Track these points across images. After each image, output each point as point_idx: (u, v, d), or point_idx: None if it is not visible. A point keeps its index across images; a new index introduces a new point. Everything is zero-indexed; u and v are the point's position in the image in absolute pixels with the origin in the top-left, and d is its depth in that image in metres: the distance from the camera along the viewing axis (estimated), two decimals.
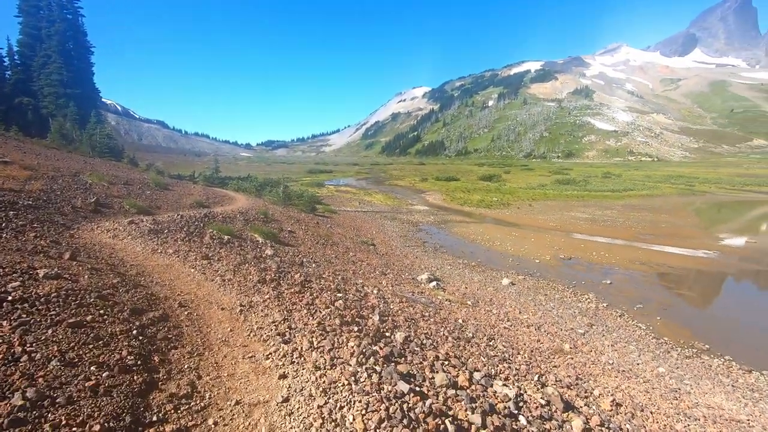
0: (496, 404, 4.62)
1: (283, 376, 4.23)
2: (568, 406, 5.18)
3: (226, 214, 14.70)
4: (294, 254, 12.24)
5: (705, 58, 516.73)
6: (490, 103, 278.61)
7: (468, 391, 4.68)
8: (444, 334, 6.90)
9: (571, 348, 8.12)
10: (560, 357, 7.49)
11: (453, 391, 4.53)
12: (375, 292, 9.17)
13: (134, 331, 4.43)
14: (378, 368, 4.58)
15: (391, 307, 7.78)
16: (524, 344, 7.77)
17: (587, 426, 4.86)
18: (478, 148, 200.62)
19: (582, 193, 45.42)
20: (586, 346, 8.64)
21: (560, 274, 15.83)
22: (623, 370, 7.65)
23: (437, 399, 4.30)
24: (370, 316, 6.60)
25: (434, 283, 12.21)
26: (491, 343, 7.22)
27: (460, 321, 8.30)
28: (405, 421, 3.69)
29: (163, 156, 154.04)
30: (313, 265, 11.28)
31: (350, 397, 3.94)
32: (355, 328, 5.73)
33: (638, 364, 8.11)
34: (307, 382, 4.13)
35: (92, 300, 4.77)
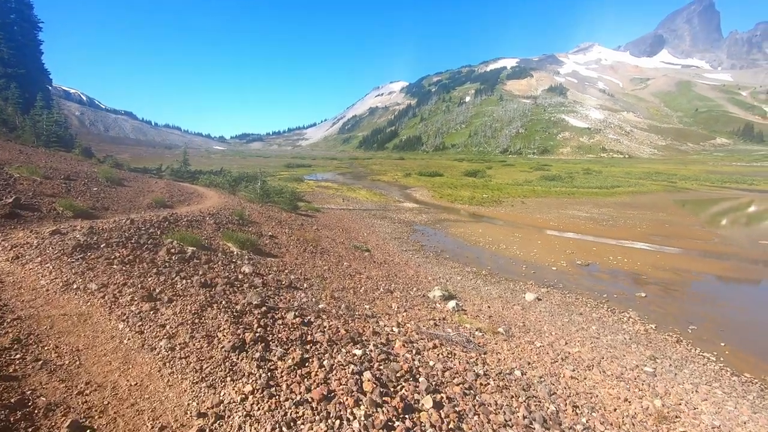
0: None
1: None
2: None
3: (192, 217, 12.00)
4: (279, 269, 9.75)
5: (671, 58, 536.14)
6: (467, 98, 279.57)
7: None
8: (523, 416, 4.68)
9: (663, 406, 6.05)
10: (665, 427, 5.41)
11: None
12: (396, 330, 6.84)
13: None
14: None
15: (430, 363, 5.46)
16: (612, 409, 5.65)
17: None
18: (455, 143, 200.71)
19: (571, 190, 44.39)
20: (670, 395, 6.62)
21: (585, 285, 13.93)
22: None
23: None
24: (417, 396, 4.29)
25: (452, 303, 9.99)
26: (584, 422, 5.06)
27: (522, 376, 6.07)
28: None
29: (131, 148, 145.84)
30: (305, 285, 8.84)
31: None
32: None
33: (745, 421, 6.15)
34: None
35: None
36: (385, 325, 7.05)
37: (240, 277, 7.76)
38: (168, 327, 4.59)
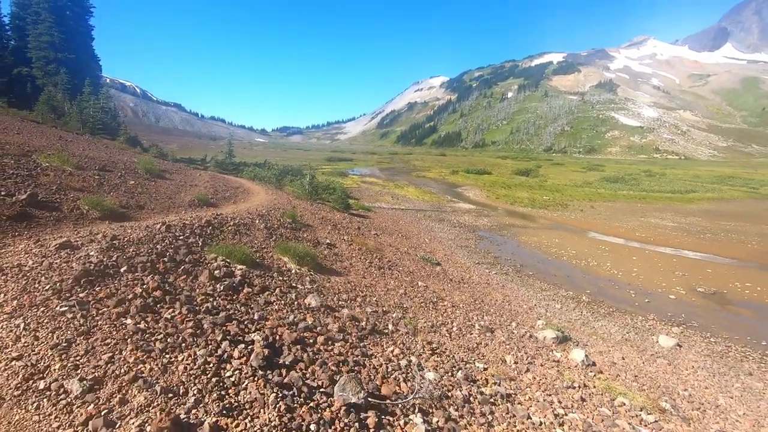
0: None
1: None
2: None
3: (240, 219, 9.95)
4: (350, 296, 7.47)
5: (736, 53, 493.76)
6: (510, 94, 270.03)
7: None
8: None
9: None
10: None
11: None
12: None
13: None
14: None
15: None
16: None
17: None
18: (495, 140, 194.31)
19: (640, 194, 39.87)
20: None
21: (724, 324, 10.79)
22: None
23: None
24: None
25: (579, 354, 7.32)
26: None
27: None
28: None
29: (179, 139, 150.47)
30: (390, 327, 6.48)
31: None
32: None
33: None
34: None
35: None
36: (540, 423, 4.54)
37: (308, 322, 5.47)
38: None
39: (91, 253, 5.22)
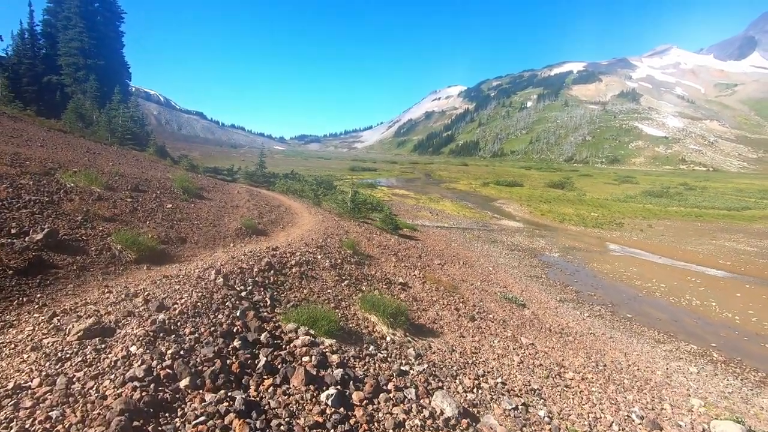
0: None
1: None
2: None
3: (300, 254, 8.03)
4: (471, 380, 5.43)
5: (765, 62, 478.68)
6: (529, 104, 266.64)
7: None
8: None
9: None
10: None
11: None
12: None
13: None
14: None
15: None
16: None
17: None
18: (515, 149, 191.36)
19: (691, 210, 36.86)
20: None
21: None
22: None
23: None
24: None
25: None
26: None
27: None
28: None
29: (201, 146, 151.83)
30: None
31: None
32: None
33: None
34: None
35: None
36: None
37: None
38: None
39: (133, 350, 3.30)
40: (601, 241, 22.53)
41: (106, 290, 4.77)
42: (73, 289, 4.81)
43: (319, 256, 8.54)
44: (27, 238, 5.37)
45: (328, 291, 6.81)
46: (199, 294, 4.80)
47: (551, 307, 11.44)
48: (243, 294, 5.38)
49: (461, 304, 8.97)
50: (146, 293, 4.65)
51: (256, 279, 6.12)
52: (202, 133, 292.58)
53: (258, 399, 3.27)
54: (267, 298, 5.53)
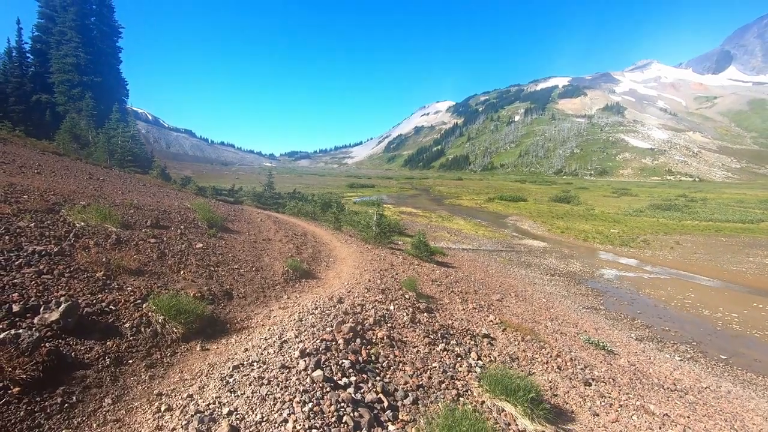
0: None
1: None
2: None
3: (374, 312, 6.44)
4: None
5: (741, 75, 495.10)
6: (517, 118, 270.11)
7: None
8: None
9: None
10: None
11: None
12: None
13: None
14: None
15: None
16: None
17: None
18: (504, 163, 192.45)
19: (708, 224, 36.09)
20: None
21: None
22: None
23: None
24: None
25: None
26: None
27: None
28: None
29: (191, 165, 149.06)
30: None
31: None
32: None
33: None
34: None
35: None
36: None
37: None
38: None
39: None
40: (639, 262, 21.24)
41: (163, 409, 3.13)
42: (111, 407, 3.15)
43: (392, 307, 6.94)
44: (37, 320, 3.70)
45: (434, 365, 5.21)
46: (299, 401, 3.18)
47: (638, 350, 9.94)
48: (350, 390, 3.78)
49: (557, 359, 7.41)
50: (227, 410, 3.02)
51: (348, 356, 4.52)
52: (192, 151, 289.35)
53: None
54: (379, 393, 3.92)
